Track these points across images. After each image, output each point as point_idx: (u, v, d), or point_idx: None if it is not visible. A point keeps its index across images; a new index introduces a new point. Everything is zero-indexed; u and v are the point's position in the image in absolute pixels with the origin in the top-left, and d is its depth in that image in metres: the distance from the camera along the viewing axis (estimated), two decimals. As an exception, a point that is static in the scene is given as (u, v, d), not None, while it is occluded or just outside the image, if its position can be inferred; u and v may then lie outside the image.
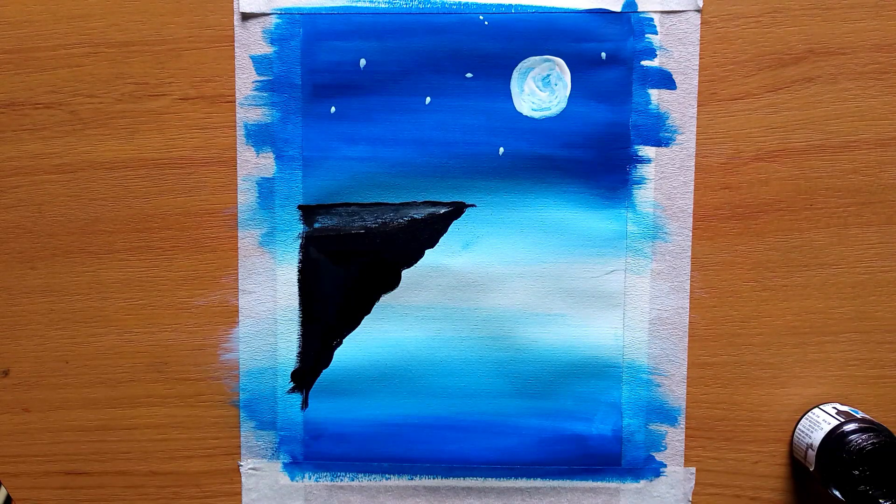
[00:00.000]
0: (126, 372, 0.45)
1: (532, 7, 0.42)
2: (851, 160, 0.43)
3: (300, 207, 0.44)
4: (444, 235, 0.44)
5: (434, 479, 0.45)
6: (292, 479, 0.45)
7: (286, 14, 0.43)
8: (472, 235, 0.44)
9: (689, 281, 0.44)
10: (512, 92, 0.43)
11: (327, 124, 0.43)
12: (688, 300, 0.44)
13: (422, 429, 0.45)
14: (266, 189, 0.44)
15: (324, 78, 0.43)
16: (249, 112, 0.43)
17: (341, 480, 0.45)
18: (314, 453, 0.45)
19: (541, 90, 0.43)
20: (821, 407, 0.43)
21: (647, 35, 0.42)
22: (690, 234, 0.44)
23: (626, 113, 0.43)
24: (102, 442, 0.46)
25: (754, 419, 0.45)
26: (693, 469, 0.45)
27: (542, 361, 0.44)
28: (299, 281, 0.44)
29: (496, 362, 0.44)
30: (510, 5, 0.42)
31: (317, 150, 0.44)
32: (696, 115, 0.43)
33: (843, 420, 0.41)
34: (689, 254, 0.44)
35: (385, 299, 0.44)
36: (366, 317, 0.45)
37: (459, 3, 0.42)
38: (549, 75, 0.43)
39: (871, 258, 0.43)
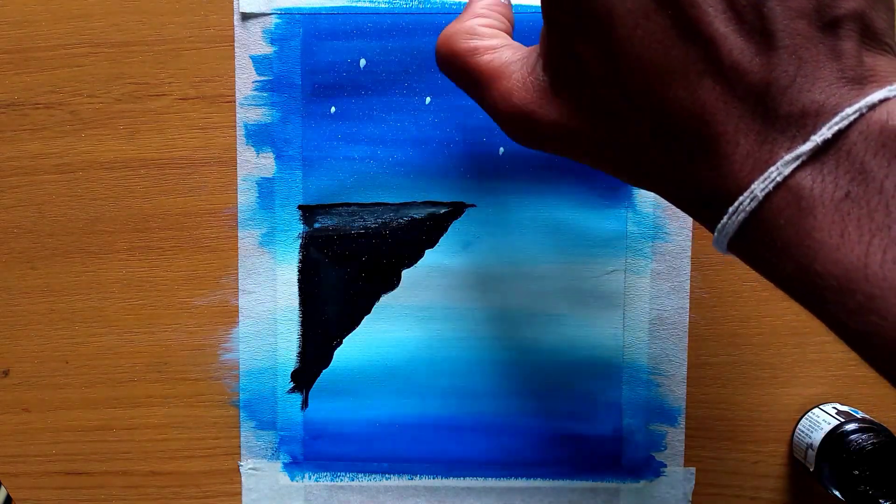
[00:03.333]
0: (126, 372, 0.45)
1: (532, 7, 0.42)
2: (851, 160, 0.43)
3: (300, 207, 0.44)
4: (444, 235, 0.44)
5: (434, 479, 0.45)
6: (292, 479, 0.45)
7: (286, 14, 0.43)
8: (472, 235, 0.44)
9: (689, 281, 0.44)
10: (512, 92, 0.43)
11: (327, 124, 0.43)
12: (688, 300, 0.44)
13: (422, 429, 0.45)
14: (266, 189, 0.44)
15: (324, 78, 0.43)
16: (249, 112, 0.43)
17: (341, 480, 0.45)
18: (314, 453, 0.45)
19: (541, 90, 0.43)
20: (821, 407, 0.43)
21: (647, 35, 0.42)
22: (690, 234, 0.44)
23: (626, 113, 0.43)
24: (102, 442, 0.46)
25: (754, 419, 0.45)
26: (693, 469, 0.45)
27: (542, 361, 0.44)
28: (299, 281, 0.44)
29: (496, 362, 0.44)
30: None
31: (317, 150, 0.44)
32: (696, 115, 0.43)
33: (843, 420, 0.41)
34: (689, 254, 0.44)
35: (385, 299, 0.44)
36: (366, 317, 0.45)
37: (459, 3, 0.42)
38: (549, 75, 0.43)
39: (871, 258, 0.43)
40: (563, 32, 0.23)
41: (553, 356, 0.44)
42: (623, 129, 0.23)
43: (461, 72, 0.28)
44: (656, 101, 0.21)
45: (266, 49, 0.43)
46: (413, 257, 0.44)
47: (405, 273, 0.44)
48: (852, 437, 0.40)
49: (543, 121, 0.25)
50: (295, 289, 0.44)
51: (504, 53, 0.27)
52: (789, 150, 0.20)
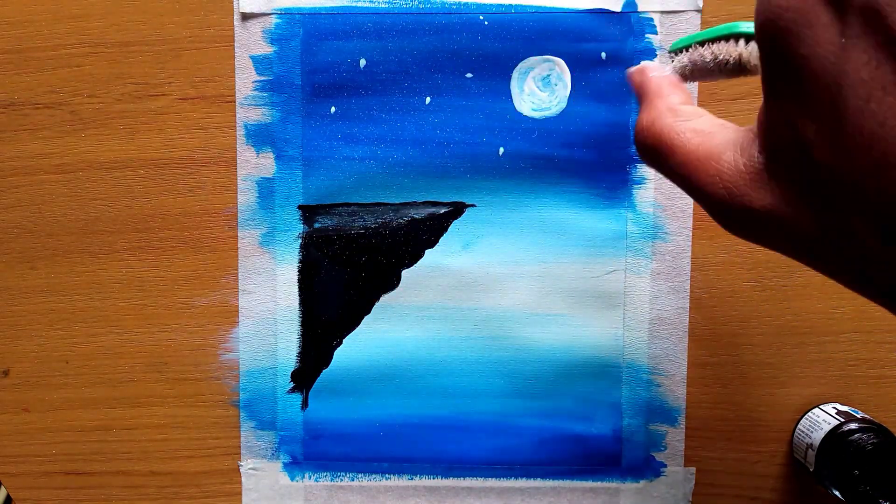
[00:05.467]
0: (126, 372, 0.45)
1: (532, 7, 0.42)
2: (851, 160, 0.43)
3: (300, 207, 0.44)
4: (444, 235, 0.44)
5: (434, 479, 0.45)
6: (292, 479, 0.45)
7: (286, 14, 0.43)
8: (472, 235, 0.44)
9: (689, 281, 0.44)
10: (512, 92, 0.43)
11: (327, 124, 0.43)
12: (688, 300, 0.44)
13: (422, 429, 0.45)
14: (266, 189, 0.44)
15: (324, 78, 0.43)
16: (249, 112, 0.43)
17: (341, 480, 0.45)
18: (314, 453, 0.45)
19: (541, 90, 0.43)
20: (821, 407, 0.43)
21: (647, 35, 0.42)
22: (690, 234, 0.44)
23: (626, 113, 0.43)
24: (102, 442, 0.46)
25: (754, 419, 0.45)
26: (693, 469, 0.45)
27: (542, 361, 0.44)
28: (299, 281, 0.44)
29: (496, 362, 0.44)
30: (510, 5, 0.42)
31: (317, 150, 0.44)
32: (696, 115, 0.43)
33: (843, 420, 0.41)
34: (689, 254, 0.44)
35: (385, 299, 0.44)
36: (366, 317, 0.45)
37: (459, 3, 0.42)
38: (549, 75, 0.43)
39: (871, 258, 0.43)
40: (782, 108, 0.20)
41: (553, 356, 0.44)
42: (848, 230, 0.19)
43: (668, 158, 0.25)
44: (892, 196, 0.17)
45: (266, 49, 0.43)
46: (413, 257, 0.44)
47: (405, 273, 0.44)
48: (852, 437, 0.40)
49: (755, 207, 0.22)
50: (295, 289, 0.44)
51: (716, 136, 0.24)
52: None
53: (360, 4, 0.43)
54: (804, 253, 0.22)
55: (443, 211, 0.44)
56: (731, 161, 0.22)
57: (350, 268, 0.44)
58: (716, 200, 0.23)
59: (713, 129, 0.24)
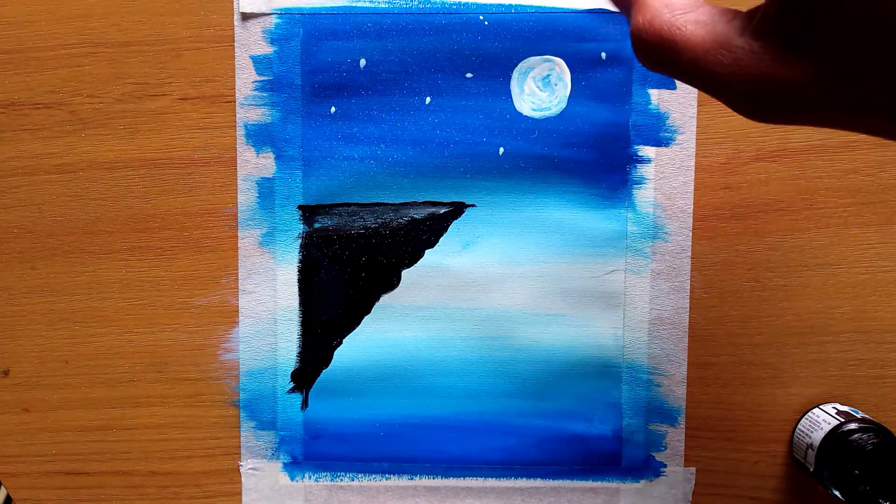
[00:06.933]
0: (126, 372, 0.45)
1: (532, 7, 0.42)
2: (851, 160, 0.43)
3: (300, 207, 0.44)
4: (444, 235, 0.44)
5: (434, 479, 0.45)
6: (292, 479, 0.45)
7: (286, 14, 0.43)
8: (472, 235, 0.44)
9: (689, 281, 0.44)
10: (512, 92, 0.43)
11: (327, 124, 0.43)
12: (688, 300, 0.44)
13: (422, 429, 0.45)
14: (266, 189, 0.44)
15: (324, 78, 0.43)
16: (249, 112, 0.43)
17: (341, 480, 0.45)
18: (314, 453, 0.45)
19: (541, 90, 0.43)
20: (821, 407, 0.43)
21: (647, 35, 0.42)
22: (690, 234, 0.44)
23: (626, 113, 0.43)
24: (102, 442, 0.46)
25: (754, 419, 0.45)
26: (693, 469, 0.45)
27: (542, 361, 0.44)
28: (299, 281, 0.44)
29: (496, 362, 0.44)
30: (510, 5, 0.42)
31: (317, 150, 0.44)
32: (696, 115, 0.43)
33: (843, 420, 0.41)
34: (689, 254, 0.44)
35: (385, 299, 0.44)
36: (366, 317, 0.45)
37: (459, 3, 0.42)
38: (549, 75, 0.43)
39: (871, 258, 0.43)
40: None
41: (553, 356, 0.44)
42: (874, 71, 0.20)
43: (674, 54, 0.24)
44: None
45: (266, 49, 0.43)
46: (413, 257, 0.44)
47: (405, 273, 0.44)
48: (852, 437, 0.40)
49: (784, 83, 0.21)
50: (295, 289, 0.44)
51: (719, 24, 0.23)
52: None
53: (360, 4, 0.43)
54: (841, 120, 0.22)
55: (443, 211, 0.44)
56: (746, 45, 0.22)
57: (350, 268, 0.44)
58: (738, 88, 0.22)
59: (715, 18, 0.23)
